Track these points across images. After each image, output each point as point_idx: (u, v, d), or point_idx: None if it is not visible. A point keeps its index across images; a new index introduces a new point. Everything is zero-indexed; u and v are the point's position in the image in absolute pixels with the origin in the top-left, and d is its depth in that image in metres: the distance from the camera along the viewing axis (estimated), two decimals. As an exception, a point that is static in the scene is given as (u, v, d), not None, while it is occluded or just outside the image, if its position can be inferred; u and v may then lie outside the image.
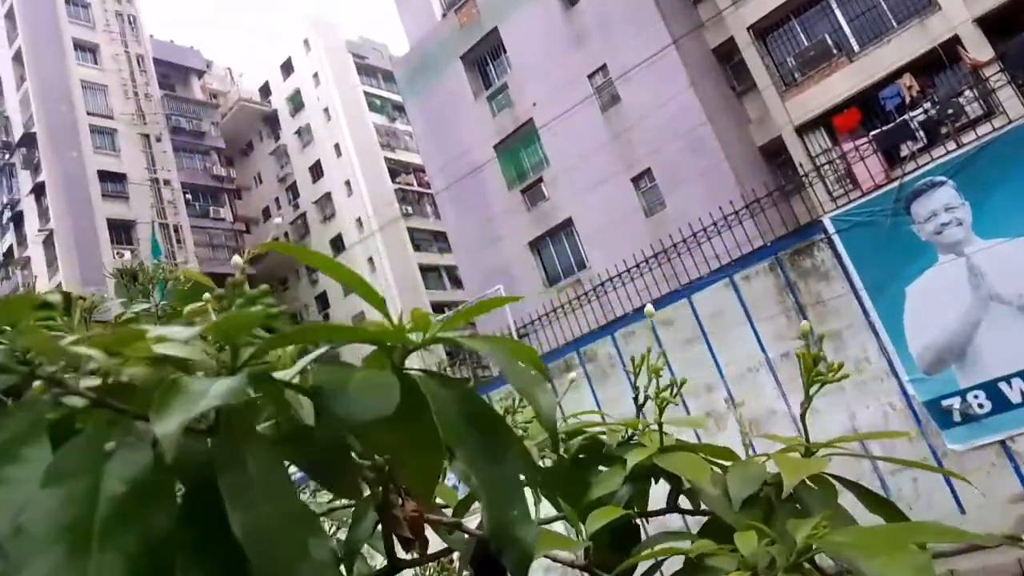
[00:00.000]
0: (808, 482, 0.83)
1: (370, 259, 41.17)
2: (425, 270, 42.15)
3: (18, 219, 38.04)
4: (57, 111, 35.49)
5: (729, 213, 11.28)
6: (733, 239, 11.06)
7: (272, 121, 47.84)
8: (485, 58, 25.97)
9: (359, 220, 41.93)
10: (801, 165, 17.12)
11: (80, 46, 38.01)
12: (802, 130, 18.37)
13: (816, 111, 18.16)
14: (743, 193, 13.65)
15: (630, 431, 0.98)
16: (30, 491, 0.39)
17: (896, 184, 8.99)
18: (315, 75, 45.27)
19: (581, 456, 0.95)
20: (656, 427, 0.97)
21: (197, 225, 38.73)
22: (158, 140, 38.42)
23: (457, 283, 35.19)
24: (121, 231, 35.11)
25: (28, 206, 36.81)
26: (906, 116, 16.84)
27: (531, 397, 0.61)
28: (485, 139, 25.06)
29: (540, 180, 23.86)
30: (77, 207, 33.86)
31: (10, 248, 39.04)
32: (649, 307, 1.25)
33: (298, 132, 46.06)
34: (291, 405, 0.57)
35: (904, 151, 15.87)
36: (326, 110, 44.39)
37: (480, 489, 0.55)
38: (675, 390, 0.95)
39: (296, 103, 46.38)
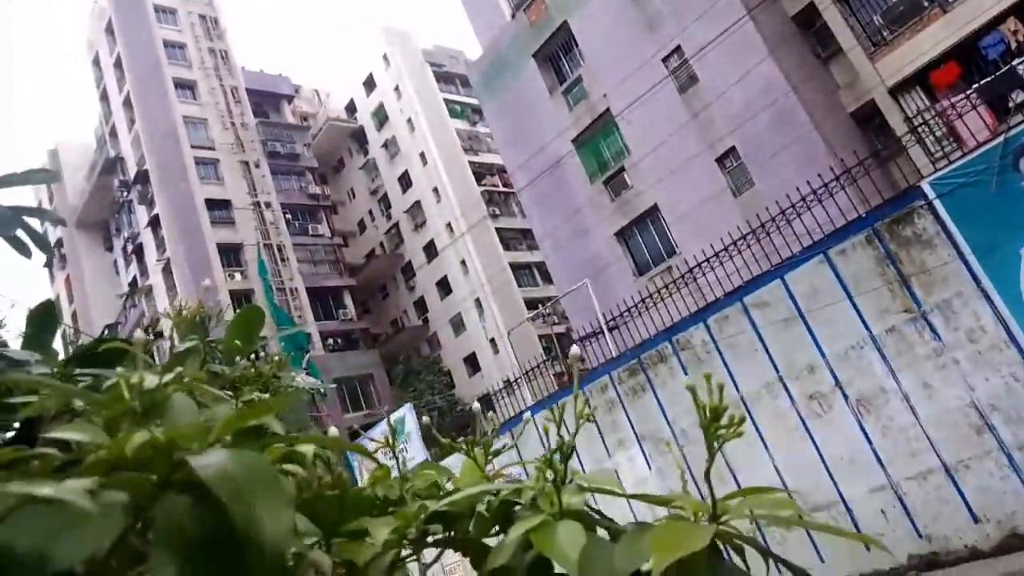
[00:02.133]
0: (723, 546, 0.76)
1: (462, 262, 41.88)
2: (516, 268, 42.46)
3: (139, 251, 41.05)
4: (165, 148, 38.04)
5: (820, 186, 10.83)
6: (826, 213, 10.60)
7: (360, 137, 49.46)
8: (557, 53, 25.91)
9: (449, 225, 42.73)
10: (897, 128, 16.17)
11: (180, 84, 40.56)
12: (896, 91, 17.33)
13: (910, 69, 17.08)
14: (835, 163, 13.05)
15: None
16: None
17: (1001, 139, 8.38)
18: (396, 88, 46.47)
19: (488, 520, 0.88)
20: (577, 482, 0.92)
21: (298, 243, 40.52)
22: (256, 166, 40.48)
23: (548, 279, 35.27)
24: (230, 254, 37.21)
25: (147, 238, 39.66)
26: (1012, 63, 15.59)
27: (249, 515, 0.48)
28: (563, 133, 25.01)
29: (622, 169, 23.59)
30: (189, 235, 36.17)
31: (134, 278, 42.20)
32: (575, 349, 1.15)
33: (385, 145, 47.41)
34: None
35: (1011, 102, 14.71)
36: (409, 121, 45.48)
37: None
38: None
39: (381, 117, 47.75)
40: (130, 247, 42.28)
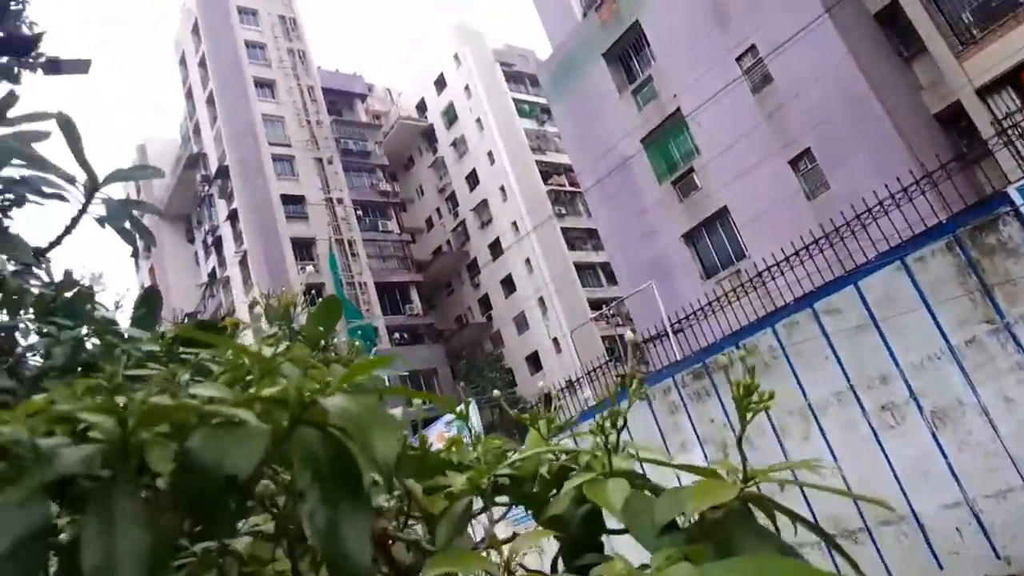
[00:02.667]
0: (753, 508, 0.85)
1: (527, 260, 42.07)
2: (581, 268, 42.37)
3: (218, 243, 42.84)
4: (244, 144, 39.57)
5: (899, 190, 10.48)
6: (904, 218, 10.26)
7: (430, 135, 50.28)
8: (628, 52, 25.75)
9: (514, 223, 43.00)
10: (983, 130, 15.44)
11: (259, 83, 42.10)
12: (984, 92, 16.54)
13: (1001, 69, 16.27)
14: (916, 166, 12.58)
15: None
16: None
17: (1098, 143, 7.96)
18: (466, 88, 47.03)
19: (550, 482, 1.00)
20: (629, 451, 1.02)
21: (368, 238, 41.53)
22: (330, 163, 41.67)
23: (613, 279, 35.08)
24: (303, 248, 38.44)
25: (225, 231, 41.35)
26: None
27: (366, 442, 0.63)
28: (632, 133, 24.85)
29: (691, 170, 23.29)
30: (265, 229, 37.54)
31: (213, 269, 44.06)
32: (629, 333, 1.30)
33: (454, 144, 48.06)
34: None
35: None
36: (478, 120, 45.96)
37: (320, 525, 0.60)
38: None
39: (450, 116, 48.43)
40: (210, 239, 44.16)
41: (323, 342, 2.01)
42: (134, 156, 54.42)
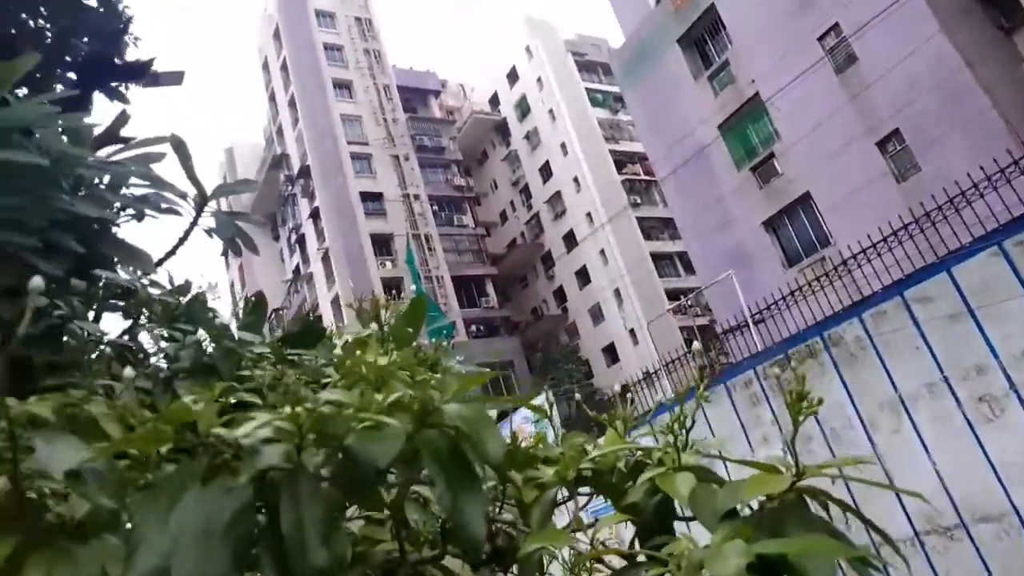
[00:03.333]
0: (807, 499, 0.94)
1: (601, 251, 41.88)
2: (657, 258, 41.87)
3: (301, 241, 44.48)
4: (324, 144, 40.89)
5: (996, 171, 9.96)
6: (1002, 201, 9.74)
7: (503, 129, 50.62)
8: (703, 37, 25.21)
9: (588, 214, 42.84)
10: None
11: (337, 84, 43.38)
12: (1095, 61, 15.43)
13: (1114, 35, 15.14)
14: (1016, 146, 11.90)
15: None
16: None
17: None
18: (538, 80, 47.07)
19: (627, 474, 1.12)
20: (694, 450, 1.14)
21: (444, 233, 42.26)
22: (406, 159, 42.57)
23: (691, 269, 34.52)
24: (382, 244, 39.48)
25: (308, 229, 42.90)
26: None
27: (479, 442, 0.81)
28: (708, 120, 24.36)
29: (771, 156, 22.65)
30: (346, 226, 38.73)
31: (297, 266, 45.78)
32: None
33: (527, 136, 48.22)
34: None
35: None
36: (551, 112, 45.95)
37: (448, 505, 0.78)
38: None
39: (523, 109, 48.59)
40: (294, 237, 45.89)
41: (413, 341, 2.16)
42: (222, 159, 57.03)
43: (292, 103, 44.43)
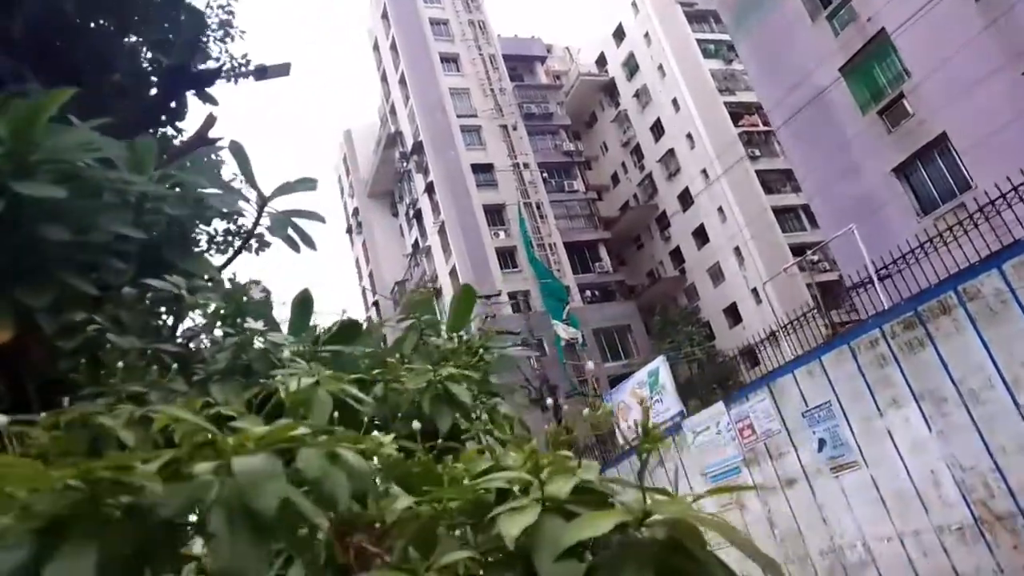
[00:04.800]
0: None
1: (719, 208, 40.36)
2: (779, 212, 39.81)
3: (419, 215, 45.78)
4: (435, 119, 41.65)
5: None
6: None
7: (611, 89, 49.51)
8: (820, -27, 23.42)
9: (704, 171, 41.30)
10: None
11: (445, 59, 43.90)
12: None
13: None
14: None
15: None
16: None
17: None
18: (646, 35, 45.52)
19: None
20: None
21: (555, 199, 42.12)
22: (514, 128, 42.63)
23: (817, 222, 32.60)
24: (494, 214, 39.93)
25: (424, 203, 44.05)
26: None
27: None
28: (828, 62, 22.68)
29: (900, 96, 20.83)
30: (459, 199, 39.45)
31: (416, 240, 47.23)
32: None
33: (636, 95, 46.92)
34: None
35: None
36: (660, 68, 44.42)
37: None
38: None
39: (631, 67, 47.26)
40: (411, 212, 47.28)
41: (461, 330, 2.21)
42: (340, 141, 59.43)
43: (403, 81, 45.45)
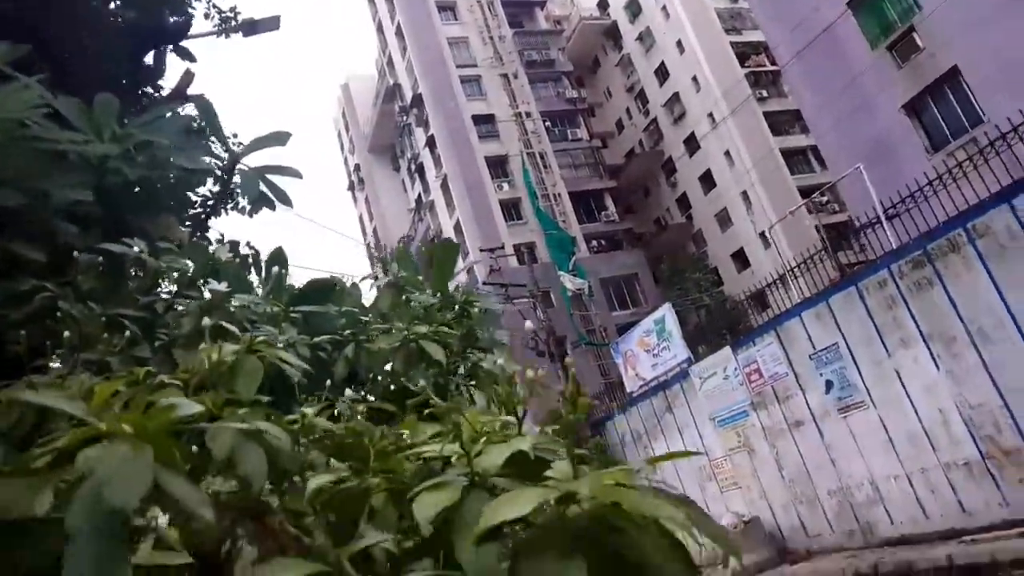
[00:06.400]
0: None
1: (726, 152, 39.75)
2: (788, 154, 39.20)
3: (420, 169, 45.30)
4: (434, 71, 40.84)
5: None
6: None
7: (613, 33, 48.33)
8: (827, -100, 22.47)
9: (711, 115, 40.53)
10: None
11: (442, 7, 42.82)
12: None
13: None
14: None
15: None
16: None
17: None
18: (648, -27, 44.23)
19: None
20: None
21: (558, 149, 41.51)
22: (515, 77, 41.79)
23: (826, 163, 32.06)
24: (498, 166, 39.46)
25: (426, 157, 43.54)
26: None
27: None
28: (836, -6, 21.96)
29: (911, 29, 20.19)
30: (461, 152, 38.95)
31: (419, 195, 46.87)
32: None
33: (639, 38, 45.82)
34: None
35: None
36: (663, 8, 43.24)
37: None
38: None
39: (633, 9, 46.02)
40: (413, 166, 46.79)
41: (444, 287, 2.12)
42: (338, 95, 58.55)
43: (399, 32, 44.45)
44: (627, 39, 46.94)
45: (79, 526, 0.63)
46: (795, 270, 13.41)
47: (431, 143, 41.78)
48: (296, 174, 2.50)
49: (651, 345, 16.32)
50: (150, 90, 4.15)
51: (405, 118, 46.06)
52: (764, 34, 27.30)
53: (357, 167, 56.39)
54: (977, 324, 9.60)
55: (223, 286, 1.78)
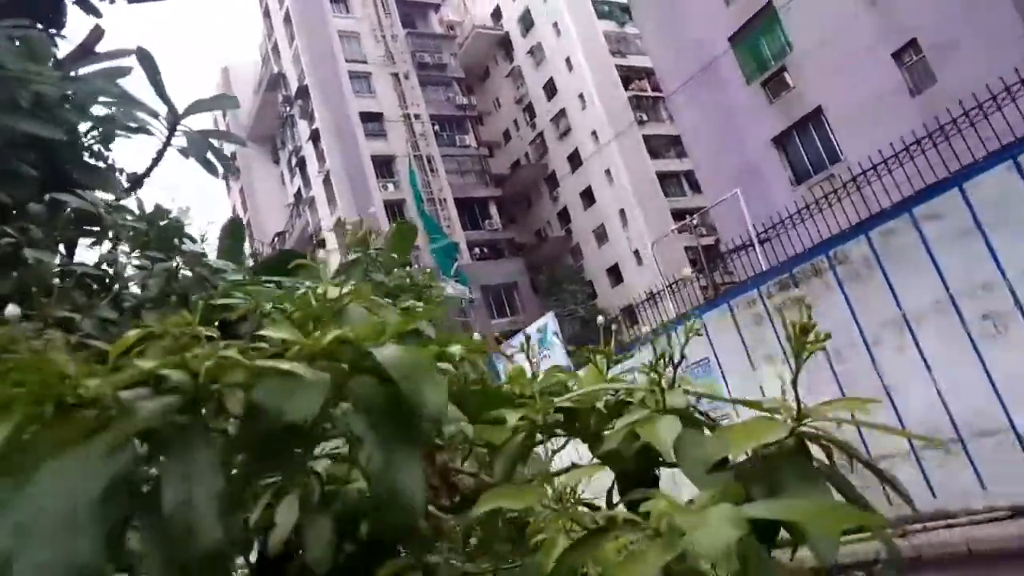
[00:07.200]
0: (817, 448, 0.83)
1: (607, 171, 41.20)
2: (664, 177, 41.20)
3: (302, 163, 43.81)
4: (322, 63, 39.68)
5: (1016, 82, 9.57)
6: (1020, 114, 9.40)
7: (505, 44, 48.95)
8: (715, -59, 23.97)
9: (594, 133, 41.92)
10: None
11: (334, -1, 41.74)
12: None
13: None
14: (1038, 54, 11.40)
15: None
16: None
17: None
18: (542, -10, 45.20)
19: (605, 416, 1.01)
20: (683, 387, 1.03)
21: (446, 153, 41.48)
22: (406, 78, 41.39)
23: (698, 188, 33.99)
24: (384, 166, 38.87)
25: (308, 151, 42.16)
26: None
27: (416, 392, 0.66)
28: (719, 31, 23.41)
29: (783, 69, 21.88)
30: (346, 148, 38.05)
31: (299, 189, 45.29)
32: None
33: (530, 51, 46.68)
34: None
35: None
36: (555, 25, 44.30)
37: (378, 468, 0.64)
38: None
39: (526, 22, 46.85)
40: (294, 160, 45.18)
41: (401, 266, 2.06)
42: (218, 80, 55.62)
43: (288, 19, 42.88)
44: (519, 51, 47.72)
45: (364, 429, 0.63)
46: (671, 287, 14.11)
47: (315, 137, 40.53)
48: (241, 141, 2.35)
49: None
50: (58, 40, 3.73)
51: (288, 109, 44.43)
52: (652, 60, 28.60)
53: (233, 156, 53.66)
54: (833, 344, 10.46)
55: (199, 251, 1.64)
